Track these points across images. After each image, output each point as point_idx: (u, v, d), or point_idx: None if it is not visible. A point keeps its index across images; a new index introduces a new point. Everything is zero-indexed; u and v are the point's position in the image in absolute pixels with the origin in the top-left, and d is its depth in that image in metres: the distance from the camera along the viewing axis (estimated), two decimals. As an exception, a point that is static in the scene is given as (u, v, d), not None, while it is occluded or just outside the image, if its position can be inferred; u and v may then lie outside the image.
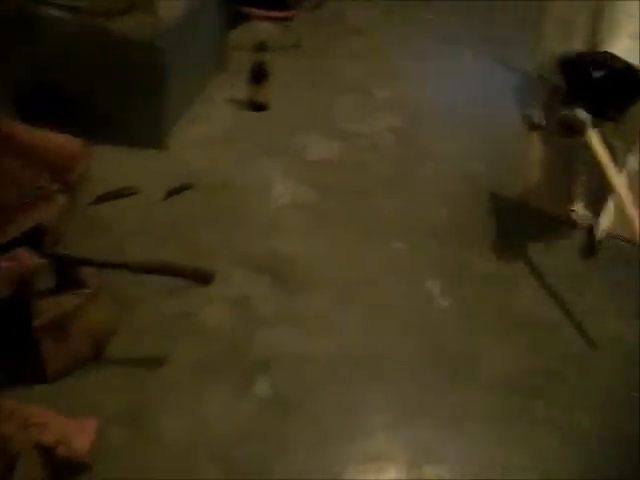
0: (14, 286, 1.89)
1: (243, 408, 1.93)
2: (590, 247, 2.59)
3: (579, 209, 2.74)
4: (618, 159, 2.60)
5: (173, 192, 2.59)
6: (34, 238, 2.04)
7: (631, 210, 2.33)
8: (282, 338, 2.12)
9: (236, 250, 2.41)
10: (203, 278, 1.96)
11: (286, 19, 3.89)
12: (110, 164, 2.64)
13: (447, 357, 2.14)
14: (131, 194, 2.55)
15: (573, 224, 2.70)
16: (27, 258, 1.93)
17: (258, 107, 3.18)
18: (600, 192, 2.69)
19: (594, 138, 2.41)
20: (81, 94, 2.70)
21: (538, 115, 3.17)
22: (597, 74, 2.39)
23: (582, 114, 2.35)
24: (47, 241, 2.12)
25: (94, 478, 1.76)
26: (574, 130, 2.39)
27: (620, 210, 2.49)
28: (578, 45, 2.54)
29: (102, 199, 2.50)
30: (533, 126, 3.19)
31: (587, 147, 2.45)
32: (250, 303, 2.21)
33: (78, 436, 1.78)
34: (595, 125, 2.42)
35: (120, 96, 2.70)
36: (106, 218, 2.46)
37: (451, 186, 2.87)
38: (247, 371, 2.02)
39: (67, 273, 1.93)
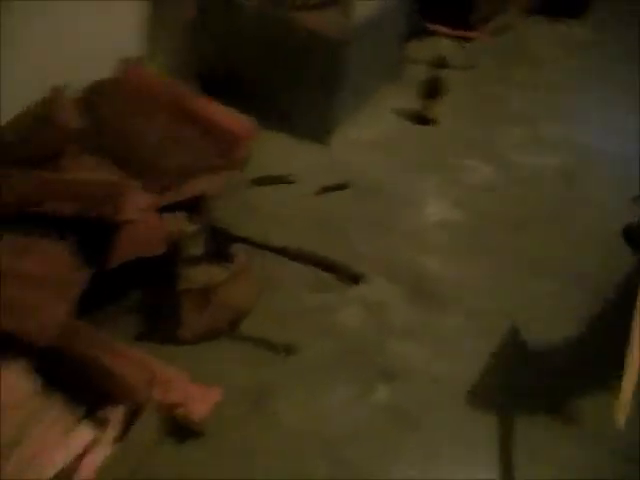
0: (167, 246, 1.95)
1: (360, 411, 1.92)
2: None
3: None
4: None
5: (328, 189, 2.61)
6: (194, 207, 2.11)
7: None
8: (411, 352, 2.09)
9: (380, 257, 2.40)
10: (352, 278, 1.97)
11: (467, 39, 3.85)
12: (272, 150, 2.71)
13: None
14: (288, 182, 2.58)
15: None
16: (184, 222, 2.00)
17: (425, 121, 3.15)
18: None
19: None
20: (259, 79, 2.77)
21: None
22: None
23: None
24: (204, 212, 2.19)
25: (204, 445, 1.78)
26: None
27: None
28: None
29: (260, 182, 2.55)
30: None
31: None
32: (386, 311, 2.20)
33: (199, 402, 1.82)
34: None
35: (296, 87, 2.75)
36: (259, 201, 2.51)
37: (608, 236, 2.72)
38: (371, 377, 2.00)
39: (220, 246, 1.98)
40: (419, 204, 2.69)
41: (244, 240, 1.99)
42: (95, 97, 2.18)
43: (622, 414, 1.66)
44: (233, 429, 1.84)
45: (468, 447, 1.88)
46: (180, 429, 1.81)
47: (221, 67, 2.82)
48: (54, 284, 1.74)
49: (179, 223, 1.98)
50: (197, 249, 1.98)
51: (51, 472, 1.66)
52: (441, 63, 3.10)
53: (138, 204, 1.84)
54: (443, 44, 3.79)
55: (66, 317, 1.78)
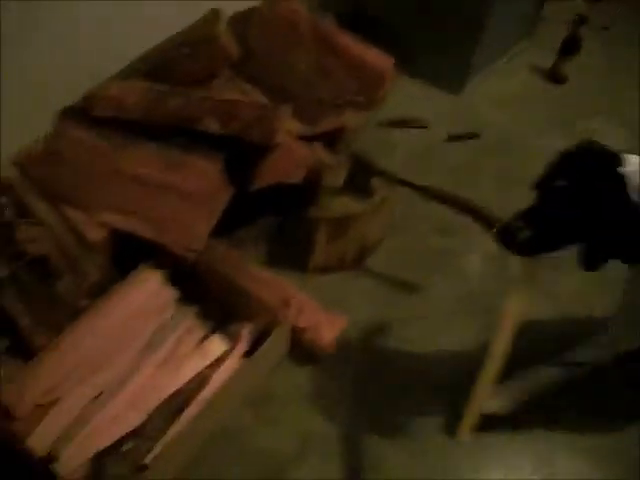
0: (307, 174, 1.99)
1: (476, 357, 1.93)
2: None
3: None
4: None
5: (458, 137, 2.60)
6: (334, 140, 2.15)
7: None
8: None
9: (504, 209, 2.37)
10: (489, 222, 1.96)
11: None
12: (404, 93, 2.69)
13: None
14: (420, 127, 2.58)
15: None
16: (325, 154, 2.03)
17: (558, 79, 3.07)
18: None
19: None
20: (400, 21, 2.76)
21: None
22: None
23: None
24: (344, 145, 2.22)
25: (322, 368, 1.86)
26: None
27: None
28: None
29: (393, 124, 2.56)
30: None
31: None
32: (509, 264, 2.18)
33: (327, 327, 1.87)
34: None
35: (436, 33, 2.72)
36: (392, 142, 2.53)
37: None
38: (489, 324, 2.00)
39: (359, 179, 2.01)
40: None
41: (386, 175, 2.00)
42: (243, 26, 2.23)
43: (466, 427, 1.56)
44: (353, 356, 1.89)
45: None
46: (302, 352, 1.88)
47: (363, 5, 2.81)
48: (202, 200, 1.82)
49: (320, 153, 2.01)
50: (336, 180, 2.01)
51: (182, 380, 1.76)
52: (582, 20, 2.99)
53: (287, 130, 1.89)
54: (579, 4, 3.65)
55: (205, 233, 1.86)
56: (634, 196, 1.17)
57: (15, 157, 2.08)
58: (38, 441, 1.63)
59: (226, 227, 1.94)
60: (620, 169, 1.19)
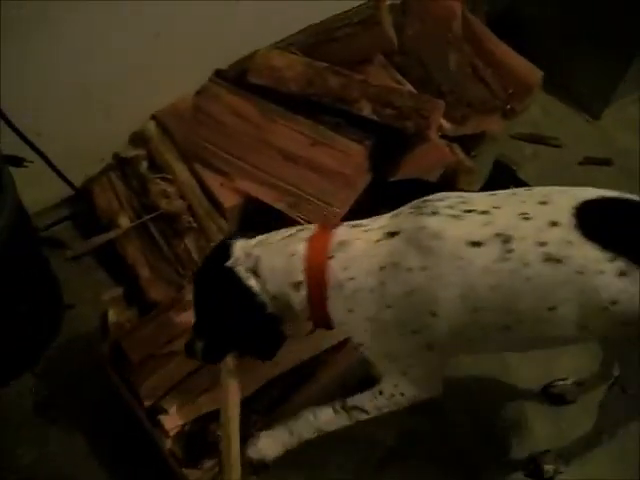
0: (443, 173, 1.95)
1: None
2: None
3: None
4: None
5: (591, 161, 2.52)
6: (473, 143, 2.11)
7: None
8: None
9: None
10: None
11: None
12: (540, 108, 2.63)
13: None
14: (555, 146, 2.52)
15: None
16: (464, 156, 2.00)
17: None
18: None
19: None
20: (549, 32, 2.68)
21: None
22: None
23: None
24: (477, 152, 2.18)
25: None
26: None
27: None
28: None
29: (528, 138, 2.50)
30: None
31: None
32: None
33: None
34: None
35: (588, 58, 2.64)
36: (524, 156, 2.47)
37: None
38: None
39: (501, 184, 1.96)
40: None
41: (525, 184, 1.95)
42: (399, 16, 2.21)
43: None
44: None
45: None
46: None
47: (514, 11, 2.75)
48: (343, 182, 1.81)
49: (460, 155, 1.98)
50: (470, 185, 1.97)
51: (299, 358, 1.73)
52: None
53: (438, 126, 1.86)
54: None
55: (341, 215, 1.85)
56: (249, 282, 1.26)
57: (157, 112, 2.11)
58: (149, 391, 1.64)
59: (352, 212, 1.92)
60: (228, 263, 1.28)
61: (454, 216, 1.22)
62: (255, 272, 1.27)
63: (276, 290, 1.27)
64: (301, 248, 1.26)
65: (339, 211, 1.80)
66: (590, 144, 2.63)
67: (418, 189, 1.93)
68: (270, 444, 1.48)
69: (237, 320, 1.32)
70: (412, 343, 1.26)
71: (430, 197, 1.30)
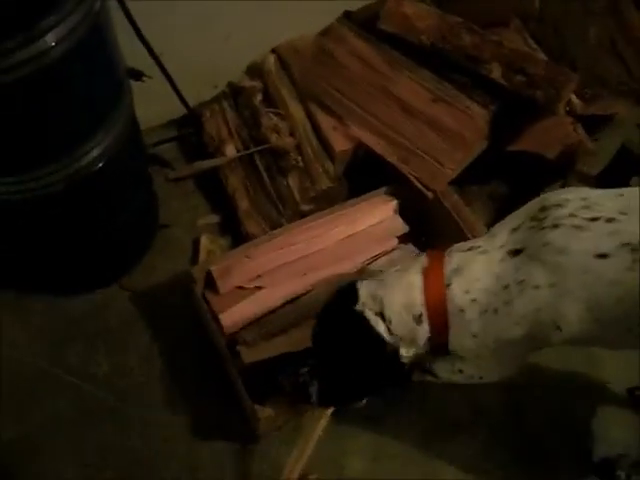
0: (562, 153, 1.86)
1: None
2: None
3: None
4: None
5: None
6: (594, 125, 2.00)
7: None
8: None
9: None
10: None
11: None
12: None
13: None
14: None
15: None
16: (587, 137, 1.90)
17: None
18: None
19: None
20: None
21: None
22: None
23: None
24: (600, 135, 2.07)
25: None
26: None
27: None
28: None
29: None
30: None
31: None
32: None
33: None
34: None
35: None
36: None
37: None
38: None
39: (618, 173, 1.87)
40: None
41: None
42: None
43: None
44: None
45: None
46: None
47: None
48: (460, 143, 1.75)
49: (582, 136, 1.88)
50: (590, 169, 1.87)
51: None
52: None
53: (567, 101, 1.78)
54: None
55: (450, 177, 1.79)
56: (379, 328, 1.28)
57: (278, 46, 2.08)
58: (230, 319, 1.64)
59: (462, 177, 1.86)
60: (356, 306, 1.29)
61: (578, 227, 1.16)
62: (382, 314, 1.28)
63: (402, 331, 1.28)
64: (417, 280, 1.27)
65: (450, 172, 1.73)
66: None
67: (535, 165, 1.87)
68: None
69: (367, 367, 1.34)
70: (522, 350, 1.28)
71: (549, 201, 1.24)
